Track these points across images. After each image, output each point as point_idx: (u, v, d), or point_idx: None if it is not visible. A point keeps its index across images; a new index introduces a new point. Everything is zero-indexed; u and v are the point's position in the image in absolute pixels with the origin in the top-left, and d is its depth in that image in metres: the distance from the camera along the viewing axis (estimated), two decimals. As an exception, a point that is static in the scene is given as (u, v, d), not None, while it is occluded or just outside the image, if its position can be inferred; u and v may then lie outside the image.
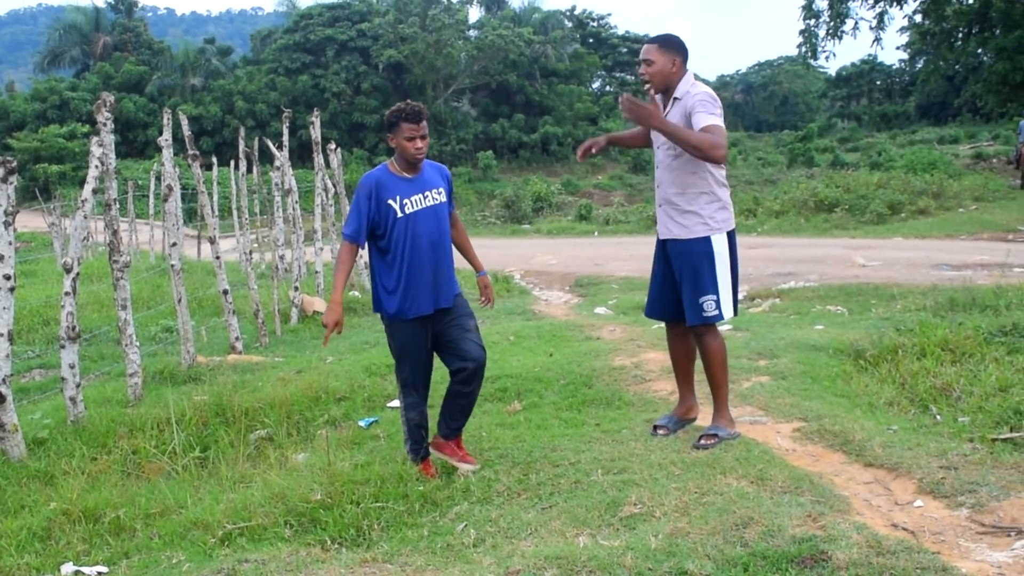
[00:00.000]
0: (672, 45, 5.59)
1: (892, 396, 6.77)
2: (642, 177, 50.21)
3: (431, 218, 5.43)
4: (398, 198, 5.35)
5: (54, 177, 41.57)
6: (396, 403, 7.50)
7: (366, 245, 5.51)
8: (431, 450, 5.68)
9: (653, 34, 5.79)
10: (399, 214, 5.33)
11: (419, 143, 5.34)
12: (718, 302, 5.61)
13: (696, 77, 5.71)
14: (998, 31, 33.63)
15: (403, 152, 5.36)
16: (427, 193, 5.44)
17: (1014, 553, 4.00)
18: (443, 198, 5.53)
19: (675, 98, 5.56)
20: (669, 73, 5.55)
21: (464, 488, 5.29)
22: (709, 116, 5.34)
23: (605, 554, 4.05)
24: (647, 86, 5.63)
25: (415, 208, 5.37)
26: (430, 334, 5.54)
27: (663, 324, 6.25)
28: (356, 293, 14.41)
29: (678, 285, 5.75)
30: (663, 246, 5.84)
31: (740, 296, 9.58)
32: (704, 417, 6.11)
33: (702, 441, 5.63)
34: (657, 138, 5.70)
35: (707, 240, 5.59)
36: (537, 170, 52.70)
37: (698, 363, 6.09)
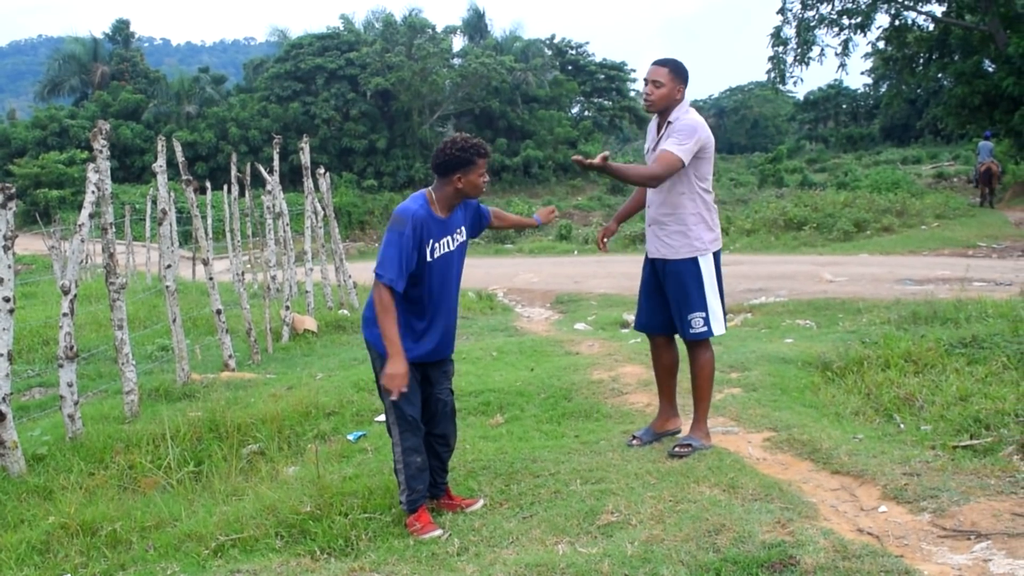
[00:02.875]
0: (681, 73, 5.62)
1: (858, 406, 6.79)
2: (620, 198, 50.22)
3: (454, 261, 5.00)
4: (431, 241, 4.84)
5: (54, 202, 41.36)
6: (383, 417, 7.50)
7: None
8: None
9: (660, 56, 5.74)
10: (428, 258, 4.83)
11: (486, 179, 4.95)
12: (707, 319, 5.68)
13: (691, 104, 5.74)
14: (957, 57, 33.95)
15: (471, 191, 4.89)
16: (453, 235, 4.97)
17: (974, 556, 4.02)
18: (463, 236, 5.06)
19: (669, 122, 5.58)
20: (673, 99, 5.58)
21: (448, 499, 5.29)
22: (669, 144, 5.44)
23: (583, 561, 4.06)
24: (648, 105, 5.64)
25: (442, 252, 4.90)
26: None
27: (640, 339, 6.28)
28: (345, 312, 14.39)
29: (669, 303, 5.78)
30: (652, 264, 5.86)
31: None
32: (679, 425, 6.16)
33: (676, 449, 5.64)
34: (650, 158, 5.69)
35: (695, 261, 5.63)
36: (519, 192, 52.75)
37: (680, 375, 6.14)
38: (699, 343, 5.79)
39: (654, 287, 5.88)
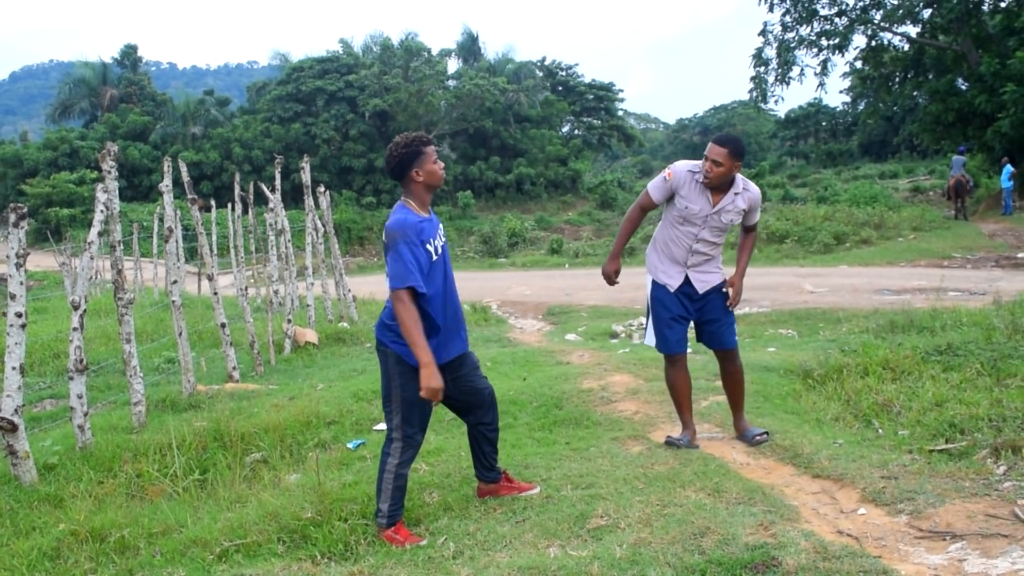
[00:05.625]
0: (739, 153, 5.82)
1: (838, 412, 6.80)
2: (608, 213, 50.32)
3: (448, 257, 4.94)
4: (432, 240, 4.76)
5: (65, 220, 41.41)
6: (383, 426, 7.48)
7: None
8: (486, 498, 5.32)
9: (720, 134, 6.04)
10: (434, 256, 4.75)
11: (442, 165, 4.88)
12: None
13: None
14: (931, 75, 34.12)
15: (431, 179, 4.79)
16: (439, 232, 4.88)
17: (949, 556, 4.02)
18: (444, 237, 4.98)
19: (735, 193, 5.88)
20: (730, 176, 5.81)
21: (443, 503, 5.29)
22: (758, 216, 6.17)
23: (574, 564, 4.05)
24: (706, 180, 5.79)
25: (441, 247, 4.85)
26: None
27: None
28: (345, 324, 14.38)
29: (711, 321, 6.04)
30: (688, 297, 6.02)
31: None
32: (667, 431, 6.23)
33: (759, 437, 6.06)
34: (705, 222, 5.88)
35: (725, 280, 6.11)
36: (512, 208, 52.84)
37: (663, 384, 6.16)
38: (736, 349, 6.19)
39: (684, 309, 6.03)
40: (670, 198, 5.92)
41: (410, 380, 4.76)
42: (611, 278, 6.15)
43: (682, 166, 5.95)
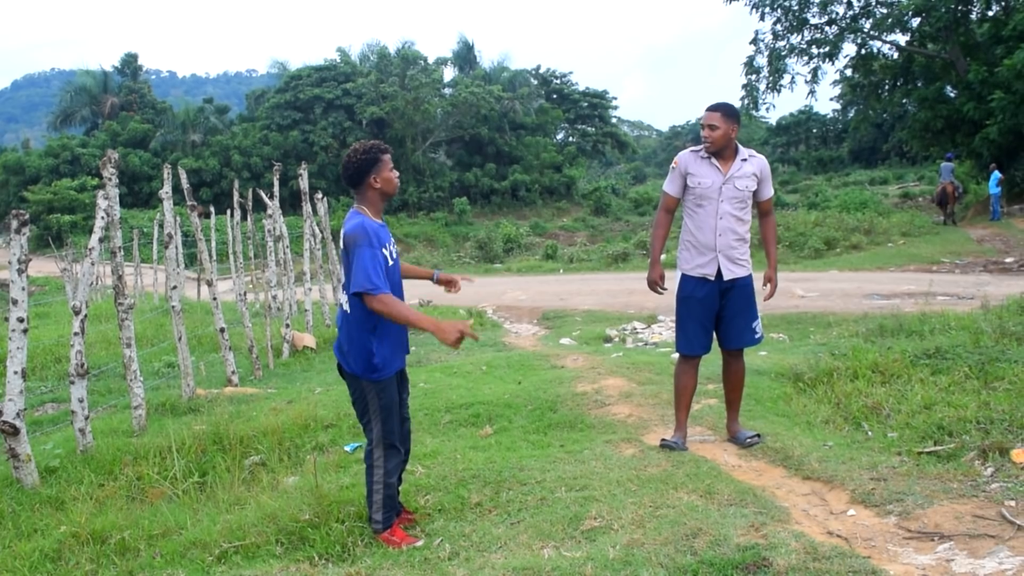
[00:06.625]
0: (733, 115, 5.91)
1: (828, 415, 6.82)
2: (602, 219, 50.43)
3: (399, 264, 4.90)
4: (388, 245, 4.69)
5: (66, 226, 41.41)
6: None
7: (350, 303, 4.70)
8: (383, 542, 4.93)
9: (713, 101, 6.00)
10: (390, 262, 4.67)
11: (397, 173, 4.85)
12: (759, 325, 6.19)
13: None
14: (920, 83, 34.25)
15: (388, 187, 4.75)
16: (391, 239, 4.83)
17: (937, 556, 4.03)
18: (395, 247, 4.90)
19: (743, 159, 5.91)
20: (729, 138, 5.86)
21: (439, 506, 5.28)
22: (770, 188, 6.11)
23: (568, 564, 4.05)
24: (708, 145, 5.88)
25: (394, 254, 4.78)
26: None
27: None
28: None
29: (730, 317, 6.02)
30: (715, 287, 5.95)
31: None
32: (660, 434, 6.24)
33: (751, 439, 6.06)
34: (721, 193, 5.86)
35: (751, 276, 6.04)
36: (507, 214, 52.92)
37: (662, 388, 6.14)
38: (742, 350, 6.19)
39: (712, 312, 6.02)
40: (685, 189, 5.96)
41: (383, 388, 4.76)
42: (657, 284, 6.18)
43: (684, 151, 6.09)
